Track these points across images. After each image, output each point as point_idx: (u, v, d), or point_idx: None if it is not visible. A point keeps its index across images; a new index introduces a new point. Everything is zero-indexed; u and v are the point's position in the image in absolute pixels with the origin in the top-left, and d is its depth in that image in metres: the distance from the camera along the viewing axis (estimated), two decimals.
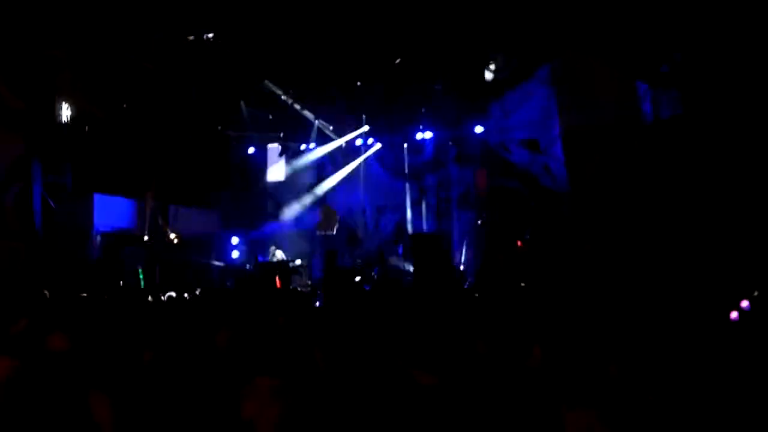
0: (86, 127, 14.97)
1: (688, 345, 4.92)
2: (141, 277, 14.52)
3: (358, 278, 14.93)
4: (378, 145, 17.74)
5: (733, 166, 10.88)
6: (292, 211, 18.61)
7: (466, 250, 15.36)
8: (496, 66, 14.87)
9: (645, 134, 12.61)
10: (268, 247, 17.19)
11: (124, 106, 15.71)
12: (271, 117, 18.14)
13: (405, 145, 17.41)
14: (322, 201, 18.43)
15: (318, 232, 17.78)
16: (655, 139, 12.38)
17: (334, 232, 17.43)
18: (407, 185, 17.39)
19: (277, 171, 19.11)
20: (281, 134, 18.54)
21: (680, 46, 12.24)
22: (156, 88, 15.69)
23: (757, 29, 10.56)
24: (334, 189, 18.42)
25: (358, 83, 16.25)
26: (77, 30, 13.57)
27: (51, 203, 14.22)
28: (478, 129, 15.63)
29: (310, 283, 16.17)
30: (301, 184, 18.84)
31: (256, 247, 17.72)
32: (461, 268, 15.06)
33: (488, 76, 14.98)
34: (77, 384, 3.68)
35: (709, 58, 11.73)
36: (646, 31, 12.32)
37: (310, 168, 18.74)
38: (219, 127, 17.93)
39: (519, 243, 13.82)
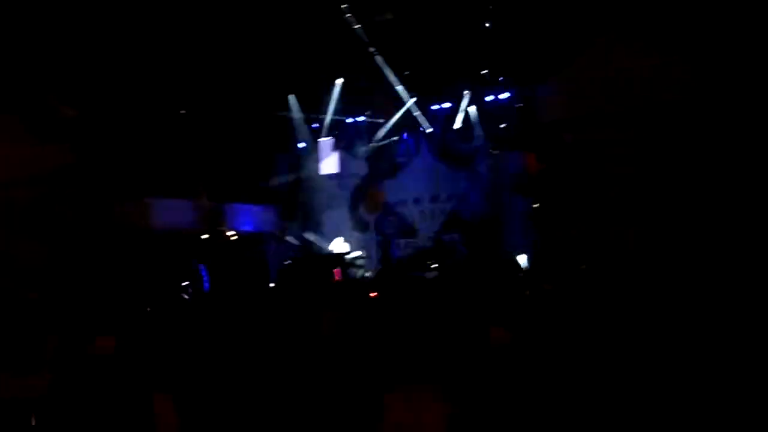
0: (139, 132, 15.16)
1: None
2: (203, 275, 14.69)
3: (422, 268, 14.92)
4: (429, 133, 17.68)
5: None
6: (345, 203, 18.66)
7: (521, 236, 15.23)
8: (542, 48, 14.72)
9: (688, 114, 12.43)
10: (325, 241, 17.27)
11: (182, 112, 15.90)
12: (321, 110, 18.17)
13: (457, 133, 17.28)
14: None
15: (364, 214, 17.84)
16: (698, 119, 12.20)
17: (381, 212, 17.48)
18: (460, 173, 17.26)
19: (330, 164, 19.17)
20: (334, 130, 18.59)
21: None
22: (205, 87, 15.85)
23: None
24: (388, 179, 18.40)
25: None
26: (131, 33, 13.76)
27: (106, 207, 14.46)
28: (528, 113, 15.53)
29: (368, 275, 16.18)
30: (354, 176, 18.86)
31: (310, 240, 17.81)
32: (517, 254, 14.92)
33: None
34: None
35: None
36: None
37: (363, 161, 18.75)
38: (270, 125, 18.02)
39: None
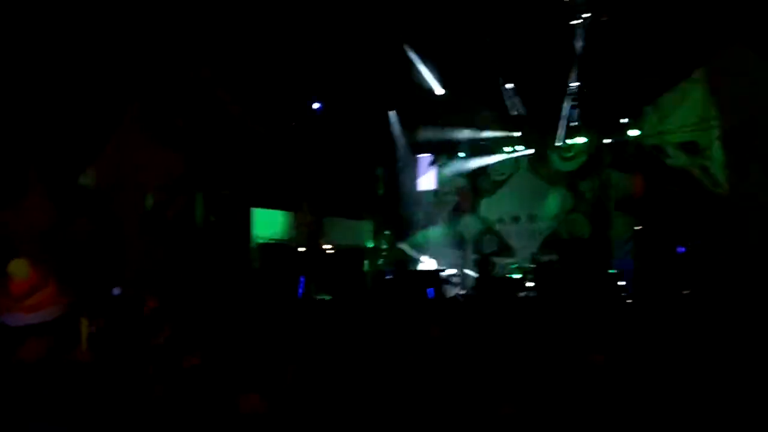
0: (246, 143, 15.50)
1: None
2: (302, 287, 14.88)
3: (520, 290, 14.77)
4: (531, 151, 17.52)
5: None
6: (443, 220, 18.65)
7: (625, 257, 14.90)
8: (650, 66, 14.39)
9: None
10: (419, 257, 17.28)
11: (293, 124, 16.21)
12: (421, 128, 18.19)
13: (559, 152, 17.06)
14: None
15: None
16: None
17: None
18: (561, 193, 17.02)
19: (427, 180, 19.20)
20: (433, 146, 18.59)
21: None
22: (308, 104, 16.13)
23: None
24: (487, 197, 18.30)
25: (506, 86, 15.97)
26: (237, 46, 14.10)
27: (212, 217, 14.83)
28: (633, 132, 15.27)
29: (464, 293, 16.08)
30: (452, 193, 18.83)
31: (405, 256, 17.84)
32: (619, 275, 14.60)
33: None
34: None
35: None
36: None
37: (461, 177, 18.68)
38: (370, 140, 18.17)
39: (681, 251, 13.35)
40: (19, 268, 2.85)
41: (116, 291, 11.40)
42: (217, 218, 14.92)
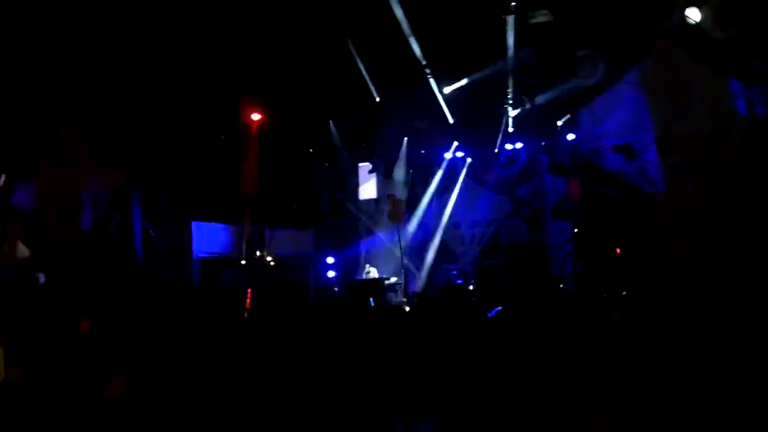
0: (183, 157, 15.32)
1: None
2: (246, 299, 14.74)
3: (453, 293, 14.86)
4: (469, 160, 17.67)
5: None
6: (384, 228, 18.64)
7: (563, 260, 15.11)
8: (584, 71, 14.60)
9: (741, 133, 12.28)
10: (362, 266, 17.27)
11: (222, 137, 16.05)
12: (362, 140, 18.19)
13: (496, 159, 17.24)
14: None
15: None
16: (752, 138, 12.04)
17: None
18: (500, 198, 17.18)
19: (368, 189, 19.20)
20: (373, 155, 18.59)
21: None
22: (246, 115, 16.00)
23: None
24: (427, 205, 18.36)
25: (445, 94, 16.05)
26: (170, 60, 13.93)
27: (151, 232, 14.64)
28: (570, 137, 15.49)
29: (405, 300, 16.11)
30: (400, 200, 18.82)
31: (350, 266, 17.81)
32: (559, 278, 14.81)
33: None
34: None
35: None
36: (737, 26, 11.99)
37: (402, 185, 18.70)
38: (310, 150, 18.12)
39: (618, 251, 13.56)
40: None
41: (41, 278, 11.20)
42: (156, 233, 14.73)
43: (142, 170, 14.53)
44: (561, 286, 13.89)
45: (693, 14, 12.23)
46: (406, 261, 17.79)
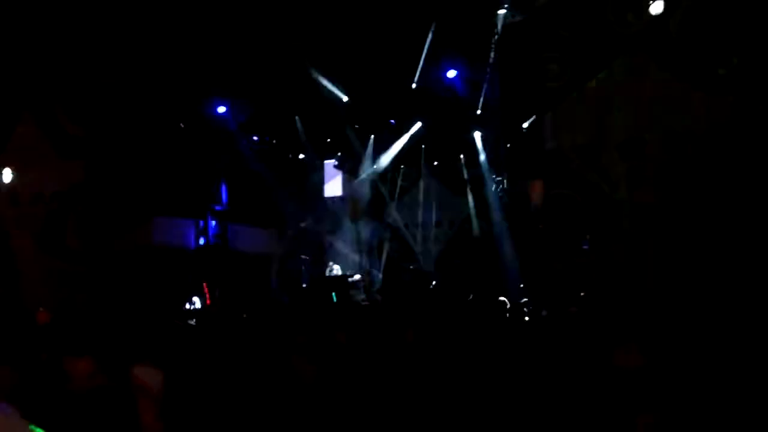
0: (145, 151, 15.22)
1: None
2: (206, 293, 14.73)
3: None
4: (435, 163, 17.78)
5: None
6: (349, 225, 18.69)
7: (522, 261, 15.26)
8: (551, 74, 14.76)
9: (701, 140, 12.53)
10: (326, 263, 17.30)
11: (182, 125, 15.95)
12: (327, 135, 18.19)
13: (461, 158, 17.34)
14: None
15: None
16: (711, 145, 12.31)
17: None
18: (462, 199, 17.30)
19: (334, 186, 19.23)
20: (338, 152, 18.61)
21: (738, 49, 12.12)
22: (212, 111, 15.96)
23: None
24: (390, 204, 18.43)
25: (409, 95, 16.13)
26: (133, 56, 13.85)
27: (109, 226, 14.54)
28: (533, 138, 15.63)
29: (364, 297, 16.19)
30: (359, 199, 18.87)
31: (313, 263, 17.82)
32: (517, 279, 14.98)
33: None
34: None
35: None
36: (702, 35, 12.24)
37: (367, 183, 18.75)
38: (273, 141, 18.07)
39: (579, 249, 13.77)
40: None
41: None
42: (117, 227, 14.64)
43: (103, 164, 14.43)
44: (521, 285, 14.06)
45: (656, 7, 12.49)
46: (368, 259, 17.89)
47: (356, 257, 18.15)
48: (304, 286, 16.52)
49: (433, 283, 15.46)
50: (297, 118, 17.66)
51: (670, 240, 12.60)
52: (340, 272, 16.74)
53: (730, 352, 4.88)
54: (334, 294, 14.79)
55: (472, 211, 17.04)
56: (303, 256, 17.23)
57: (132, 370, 4.01)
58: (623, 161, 13.87)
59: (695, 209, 12.41)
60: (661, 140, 13.31)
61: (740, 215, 11.66)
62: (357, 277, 16.66)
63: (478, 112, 15.89)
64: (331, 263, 17.10)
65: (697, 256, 11.85)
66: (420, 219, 17.90)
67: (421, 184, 18.00)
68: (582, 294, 11.98)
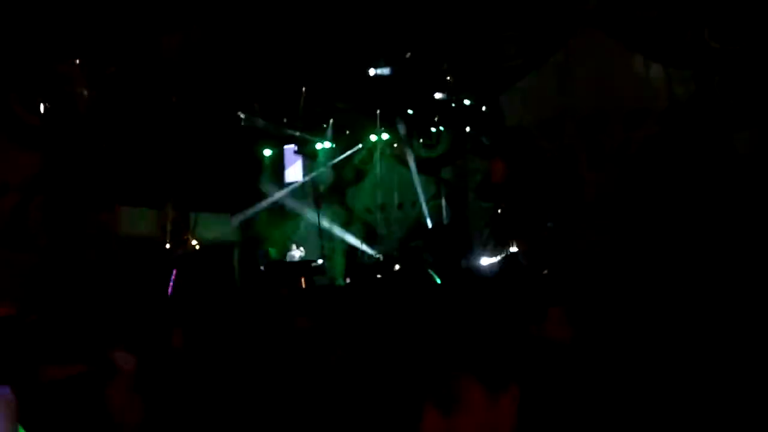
0: (105, 140, 15.03)
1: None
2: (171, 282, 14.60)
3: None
4: (395, 144, 17.75)
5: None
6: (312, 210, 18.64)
7: (485, 241, 15.31)
8: (509, 53, 14.77)
9: (661, 116, 12.64)
10: (289, 248, 17.25)
11: (139, 110, 15.76)
12: (285, 119, 18.06)
13: (420, 140, 17.34)
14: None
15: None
16: (671, 121, 12.41)
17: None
18: (424, 179, 17.30)
19: (294, 171, 19.14)
20: (297, 133, 18.45)
21: (697, 24, 12.23)
22: (172, 98, 15.76)
23: None
24: (352, 187, 18.38)
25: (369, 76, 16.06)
26: (89, 43, 13.64)
27: (71, 216, 14.35)
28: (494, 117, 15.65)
29: (331, 281, 16.18)
30: (320, 183, 18.82)
31: (276, 249, 17.76)
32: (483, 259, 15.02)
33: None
34: None
35: (731, 37, 11.74)
36: (664, 9, 12.33)
37: (327, 167, 18.69)
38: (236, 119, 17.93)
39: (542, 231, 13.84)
40: None
41: None
42: (80, 217, 14.47)
43: (62, 153, 14.23)
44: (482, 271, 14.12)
45: None
46: (329, 244, 17.87)
47: (320, 242, 18.10)
48: (261, 272, 16.44)
49: (396, 266, 15.45)
50: (256, 104, 17.57)
51: (630, 216, 12.72)
52: (303, 258, 16.70)
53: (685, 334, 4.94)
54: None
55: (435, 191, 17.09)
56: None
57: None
58: (584, 137, 13.94)
59: (655, 184, 12.53)
60: (622, 115, 13.41)
61: (700, 190, 11.79)
62: (321, 262, 16.63)
63: (438, 95, 15.89)
64: (293, 248, 17.05)
65: (657, 233, 11.97)
66: (381, 201, 17.85)
67: (380, 165, 17.95)
68: (545, 272, 12.08)
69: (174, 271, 14.61)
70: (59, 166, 14.23)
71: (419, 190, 17.07)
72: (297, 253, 16.87)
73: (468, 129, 16.38)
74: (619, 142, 13.46)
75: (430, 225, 16.78)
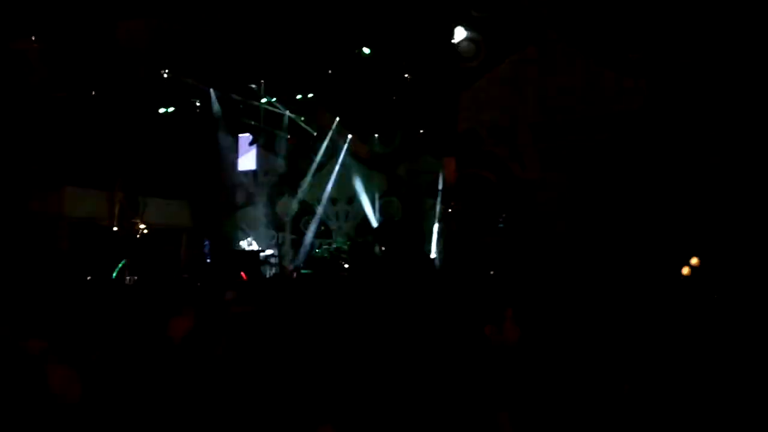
0: (54, 118, 14.79)
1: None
2: (118, 267, 14.41)
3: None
4: (349, 136, 17.75)
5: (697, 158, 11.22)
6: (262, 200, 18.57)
7: (436, 239, 15.42)
8: (465, 55, 14.83)
9: (614, 123, 12.83)
10: (239, 237, 17.17)
11: (93, 93, 15.56)
12: (241, 106, 17.95)
13: (375, 136, 17.38)
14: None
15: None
16: (623, 128, 12.61)
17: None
18: (377, 175, 17.35)
19: (248, 160, 19.04)
20: (252, 123, 18.35)
21: (651, 33, 12.41)
22: (124, 77, 15.55)
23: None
24: (305, 179, 18.34)
25: (328, 72, 16.09)
26: (45, 21, 13.44)
27: (20, 195, 14.12)
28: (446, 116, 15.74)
29: (276, 272, 16.13)
30: (273, 174, 18.75)
31: (225, 237, 17.67)
32: (432, 256, 15.14)
33: None
34: None
35: (680, 47, 11.94)
36: (616, 18, 12.50)
37: (281, 158, 18.62)
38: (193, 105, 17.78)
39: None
40: None
41: None
42: (24, 197, 14.22)
43: (9, 132, 13.98)
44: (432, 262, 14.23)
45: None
46: (282, 235, 17.83)
47: (271, 232, 18.05)
48: (208, 261, 16.36)
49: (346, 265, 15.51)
50: (211, 90, 17.45)
51: (579, 221, 12.89)
52: (253, 247, 16.65)
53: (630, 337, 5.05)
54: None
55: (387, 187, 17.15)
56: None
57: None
58: (536, 142, 14.07)
59: (605, 191, 12.72)
60: (573, 121, 13.57)
61: (649, 197, 11.99)
62: (269, 252, 16.59)
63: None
64: (246, 238, 17.00)
65: (604, 240, 12.15)
66: (332, 194, 17.85)
67: (336, 159, 17.94)
68: (491, 273, 12.22)
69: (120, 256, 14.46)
70: (6, 142, 13.98)
71: (371, 185, 17.18)
72: (246, 242, 16.80)
73: (422, 128, 16.45)
74: (570, 147, 13.61)
75: (379, 221, 16.85)
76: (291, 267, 16.51)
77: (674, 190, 11.65)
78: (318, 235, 17.65)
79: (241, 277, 14.10)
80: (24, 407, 3.49)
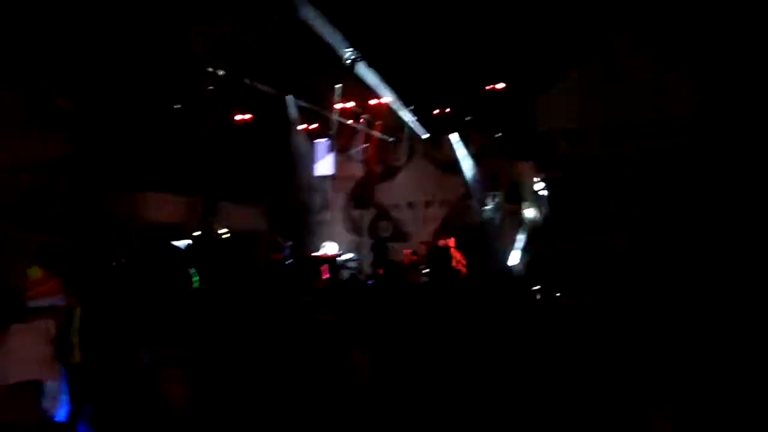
0: (137, 125, 15.11)
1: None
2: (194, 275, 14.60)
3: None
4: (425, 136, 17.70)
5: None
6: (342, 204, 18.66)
7: (517, 245, 15.26)
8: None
9: (686, 127, 12.73)
10: (319, 243, 17.28)
11: (177, 106, 15.87)
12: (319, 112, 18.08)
13: (452, 139, 17.29)
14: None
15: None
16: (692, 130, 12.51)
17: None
18: (454, 179, 17.25)
19: (325, 165, 19.16)
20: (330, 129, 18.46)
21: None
22: (205, 84, 15.80)
23: None
24: (382, 184, 18.36)
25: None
26: (126, 28, 13.71)
27: (100, 201, 14.43)
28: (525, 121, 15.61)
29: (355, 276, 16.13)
30: (350, 179, 18.83)
31: (305, 242, 17.78)
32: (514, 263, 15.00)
33: None
34: None
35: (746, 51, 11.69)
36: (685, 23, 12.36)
37: (358, 162, 18.69)
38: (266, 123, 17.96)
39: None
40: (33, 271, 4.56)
41: None
42: (106, 201, 14.54)
43: (89, 136, 14.30)
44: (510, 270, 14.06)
45: None
46: (360, 239, 17.87)
47: (349, 237, 18.13)
48: (287, 265, 16.46)
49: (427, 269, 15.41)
50: (289, 97, 17.60)
51: (649, 228, 12.71)
52: (333, 252, 16.71)
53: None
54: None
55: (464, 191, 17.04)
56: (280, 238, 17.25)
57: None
58: (603, 147, 13.95)
59: (675, 196, 12.54)
60: (643, 126, 13.44)
61: (725, 205, 11.73)
62: (349, 256, 16.63)
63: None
64: (325, 242, 17.10)
65: (679, 244, 11.93)
66: (411, 199, 17.80)
67: (412, 162, 17.91)
68: (573, 281, 11.99)
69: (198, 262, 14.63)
70: (88, 148, 14.31)
71: (448, 189, 17.08)
72: (329, 246, 16.87)
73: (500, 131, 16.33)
74: (639, 152, 13.46)
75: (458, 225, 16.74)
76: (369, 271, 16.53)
77: (745, 194, 11.39)
78: (394, 239, 17.61)
79: (319, 281, 14.16)
80: (137, 413, 3.57)
